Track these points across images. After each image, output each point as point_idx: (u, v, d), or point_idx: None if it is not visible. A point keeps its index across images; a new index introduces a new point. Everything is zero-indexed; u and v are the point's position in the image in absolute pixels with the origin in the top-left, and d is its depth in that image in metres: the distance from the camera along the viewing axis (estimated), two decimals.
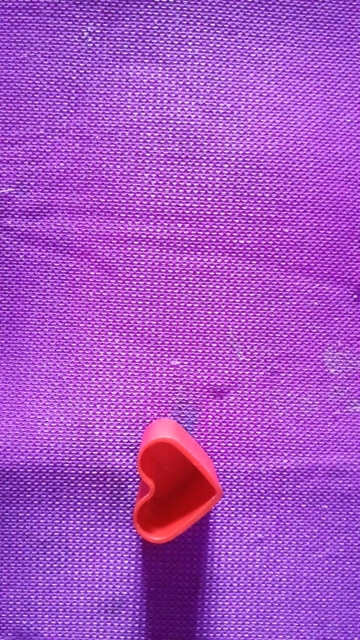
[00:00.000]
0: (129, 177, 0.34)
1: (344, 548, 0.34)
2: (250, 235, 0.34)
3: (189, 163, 0.34)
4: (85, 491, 0.34)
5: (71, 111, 0.34)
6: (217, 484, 0.30)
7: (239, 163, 0.34)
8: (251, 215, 0.34)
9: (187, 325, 0.34)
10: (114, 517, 0.34)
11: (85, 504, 0.34)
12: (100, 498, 0.34)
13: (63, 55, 0.34)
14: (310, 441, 0.34)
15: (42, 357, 0.34)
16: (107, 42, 0.34)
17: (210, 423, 0.34)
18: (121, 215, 0.34)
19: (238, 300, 0.34)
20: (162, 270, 0.34)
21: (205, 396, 0.34)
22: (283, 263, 0.34)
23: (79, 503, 0.34)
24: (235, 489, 0.34)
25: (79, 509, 0.34)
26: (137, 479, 0.34)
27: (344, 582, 0.34)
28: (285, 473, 0.34)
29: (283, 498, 0.34)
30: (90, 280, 0.34)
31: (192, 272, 0.34)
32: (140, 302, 0.34)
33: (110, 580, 0.33)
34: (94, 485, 0.34)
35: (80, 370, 0.34)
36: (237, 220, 0.34)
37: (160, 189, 0.34)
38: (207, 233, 0.34)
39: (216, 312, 0.34)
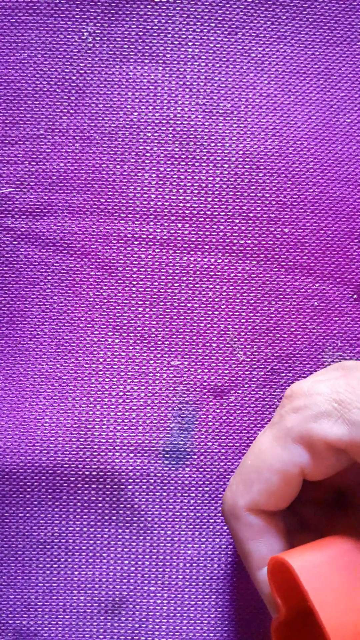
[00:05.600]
0: (129, 177, 0.34)
1: None
2: (250, 235, 0.34)
3: (189, 163, 0.34)
4: (85, 492, 0.33)
5: (71, 111, 0.34)
6: (336, 633, 0.24)
7: (239, 163, 0.34)
8: (251, 215, 0.34)
9: (187, 325, 0.34)
10: (114, 517, 0.34)
11: (85, 504, 0.33)
12: (100, 499, 0.34)
13: (63, 55, 0.34)
14: None
15: (42, 357, 0.34)
16: (107, 42, 0.34)
17: (211, 423, 0.34)
18: (121, 215, 0.34)
19: (238, 300, 0.34)
20: (162, 270, 0.34)
21: (205, 396, 0.34)
22: (283, 263, 0.34)
23: (79, 504, 0.33)
24: None
25: (78, 510, 0.33)
26: (137, 480, 0.34)
27: None
28: None
29: None
30: (90, 280, 0.34)
31: (192, 272, 0.34)
32: (140, 302, 0.34)
33: (110, 580, 0.33)
34: (93, 486, 0.34)
35: (80, 370, 0.34)
36: (237, 220, 0.34)
37: (160, 189, 0.34)
38: (207, 233, 0.34)
39: (216, 312, 0.34)
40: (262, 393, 0.34)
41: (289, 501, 0.28)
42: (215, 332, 0.34)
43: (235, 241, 0.34)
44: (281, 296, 0.34)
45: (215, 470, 0.34)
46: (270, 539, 0.28)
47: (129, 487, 0.34)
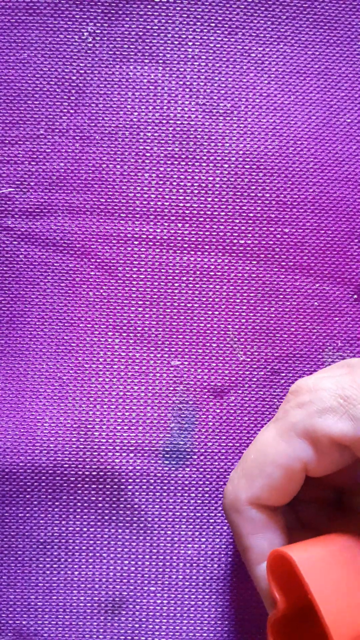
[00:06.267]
0: (129, 177, 0.34)
1: None
2: (250, 235, 0.34)
3: (189, 163, 0.34)
4: (85, 492, 0.33)
5: (71, 111, 0.34)
6: (338, 632, 0.24)
7: (239, 163, 0.34)
8: (251, 215, 0.34)
9: (187, 325, 0.34)
10: (114, 517, 0.34)
11: (85, 504, 0.33)
12: (100, 499, 0.34)
13: (63, 55, 0.34)
14: None
15: (42, 357, 0.34)
16: (107, 42, 0.34)
17: (211, 423, 0.34)
18: (121, 215, 0.34)
19: (238, 300, 0.34)
20: (162, 270, 0.34)
21: (205, 396, 0.34)
22: (283, 263, 0.34)
23: (79, 504, 0.33)
24: None
25: (78, 510, 0.33)
26: (137, 480, 0.34)
27: None
28: None
29: None
30: (90, 280, 0.34)
31: (192, 272, 0.34)
32: (140, 302, 0.34)
33: (110, 580, 0.33)
34: (93, 486, 0.34)
35: (80, 370, 0.34)
36: (237, 220, 0.34)
37: (160, 189, 0.34)
38: (207, 233, 0.34)
39: (216, 312, 0.34)
40: (262, 393, 0.34)
41: (291, 496, 0.28)
42: (215, 332, 0.34)
43: (235, 241, 0.34)
44: (281, 296, 0.34)
45: (215, 470, 0.34)
46: (270, 534, 0.28)
47: (129, 487, 0.34)
